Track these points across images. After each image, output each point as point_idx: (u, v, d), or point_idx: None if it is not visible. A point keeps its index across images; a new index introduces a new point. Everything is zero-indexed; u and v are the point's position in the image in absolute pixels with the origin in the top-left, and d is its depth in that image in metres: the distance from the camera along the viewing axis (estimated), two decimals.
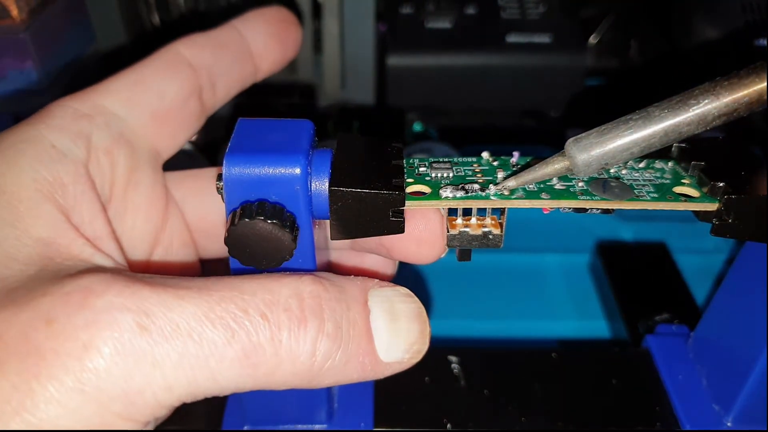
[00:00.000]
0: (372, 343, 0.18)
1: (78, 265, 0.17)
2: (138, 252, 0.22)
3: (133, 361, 0.15)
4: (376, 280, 0.19)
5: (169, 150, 0.23)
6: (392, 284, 0.19)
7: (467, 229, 0.20)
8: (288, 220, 0.18)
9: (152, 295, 0.16)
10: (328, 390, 0.25)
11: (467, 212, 0.20)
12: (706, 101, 0.17)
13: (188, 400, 0.16)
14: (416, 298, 0.19)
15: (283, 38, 0.26)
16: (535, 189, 0.19)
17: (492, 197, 0.19)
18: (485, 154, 0.21)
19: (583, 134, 0.18)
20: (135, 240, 0.22)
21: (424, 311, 0.19)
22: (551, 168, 0.18)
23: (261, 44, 0.25)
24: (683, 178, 0.20)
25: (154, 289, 0.16)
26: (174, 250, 0.23)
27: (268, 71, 0.26)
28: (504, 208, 0.19)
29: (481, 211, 0.20)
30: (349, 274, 0.20)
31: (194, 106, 0.23)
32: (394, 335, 0.18)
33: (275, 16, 0.26)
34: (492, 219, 0.20)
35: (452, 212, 0.20)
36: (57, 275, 0.16)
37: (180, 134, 0.23)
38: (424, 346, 0.19)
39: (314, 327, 0.17)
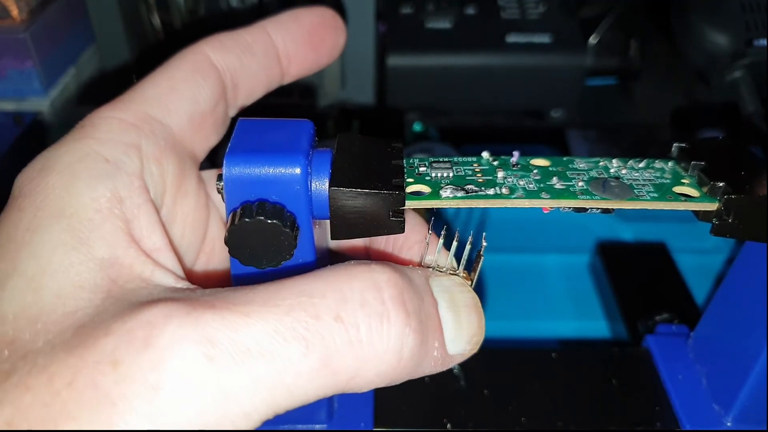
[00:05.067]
0: (443, 337, 0.18)
1: (140, 287, 0.17)
2: (186, 260, 0.22)
3: (205, 397, 0.15)
4: (430, 269, 0.19)
5: (203, 154, 0.23)
6: (446, 273, 0.19)
7: None
8: (288, 220, 0.18)
9: (216, 318, 0.15)
10: None
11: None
12: None
13: (269, 418, 0.16)
14: (469, 287, 0.19)
15: (316, 44, 0.25)
16: (535, 188, 0.19)
17: (492, 197, 0.19)
18: (485, 154, 0.21)
19: None
20: (183, 248, 0.22)
21: (479, 301, 0.19)
22: None
23: (290, 48, 0.24)
24: (683, 178, 0.20)
25: (217, 311, 0.15)
26: (216, 253, 0.23)
27: (296, 75, 0.25)
28: (479, 260, 0.19)
29: (457, 258, 0.20)
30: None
31: (222, 109, 0.23)
32: (458, 327, 0.18)
33: (310, 20, 0.25)
34: (463, 273, 0.19)
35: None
36: (122, 303, 0.16)
37: (212, 137, 0.23)
38: (482, 338, 0.18)
39: (399, 321, 0.16)
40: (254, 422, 0.15)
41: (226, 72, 0.23)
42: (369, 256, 0.23)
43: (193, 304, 0.16)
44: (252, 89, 0.24)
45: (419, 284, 0.18)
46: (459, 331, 0.18)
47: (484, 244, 0.19)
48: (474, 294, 0.19)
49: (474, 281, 0.19)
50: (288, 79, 0.25)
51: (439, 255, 0.20)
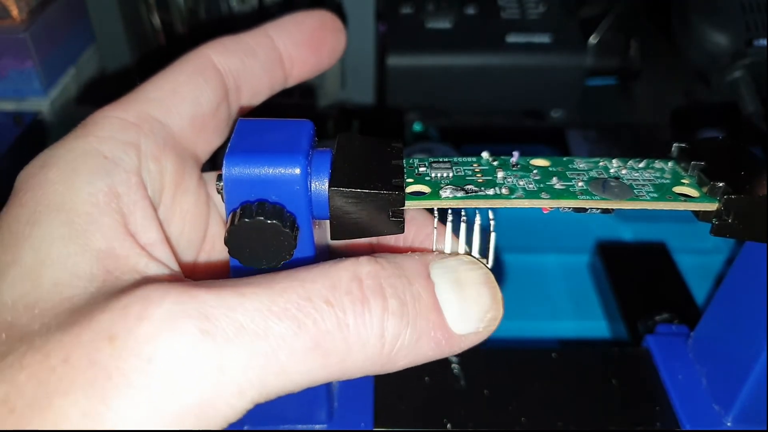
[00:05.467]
0: (442, 316, 0.18)
1: (135, 279, 0.17)
2: (187, 257, 0.22)
3: (200, 370, 0.15)
4: (436, 252, 0.19)
5: (205, 155, 0.23)
6: (454, 254, 0.19)
7: None
8: (288, 220, 0.18)
9: (212, 297, 0.16)
10: (328, 390, 0.25)
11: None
12: None
13: (261, 400, 0.16)
14: (481, 264, 0.19)
15: (317, 47, 0.25)
16: (535, 188, 0.19)
17: (491, 197, 0.19)
18: (485, 154, 0.21)
19: None
20: (182, 246, 0.22)
21: (491, 276, 0.19)
22: None
23: (292, 51, 0.25)
24: (683, 178, 0.20)
25: (213, 290, 0.16)
26: (215, 254, 0.23)
27: (298, 78, 0.26)
28: (490, 239, 0.19)
29: (468, 249, 0.20)
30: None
31: (224, 111, 0.23)
32: (463, 305, 0.18)
33: (311, 23, 0.25)
34: (479, 258, 0.19)
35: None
36: (115, 290, 0.16)
37: (214, 139, 0.23)
38: (498, 313, 0.18)
39: (378, 306, 0.17)
40: (247, 400, 0.16)
41: (228, 75, 0.23)
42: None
43: (189, 283, 0.16)
44: (255, 92, 0.24)
45: (410, 269, 0.18)
46: (466, 309, 0.18)
47: (492, 221, 0.19)
48: (486, 270, 0.19)
49: (490, 260, 0.19)
50: (291, 82, 0.26)
51: (450, 242, 0.19)
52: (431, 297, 0.18)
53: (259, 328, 0.15)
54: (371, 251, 0.23)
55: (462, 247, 0.19)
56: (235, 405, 0.15)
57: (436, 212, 0.20)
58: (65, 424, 0.14)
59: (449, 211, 0.20)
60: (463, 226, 0.19)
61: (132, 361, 0.15)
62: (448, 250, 0.20)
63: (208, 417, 0.15)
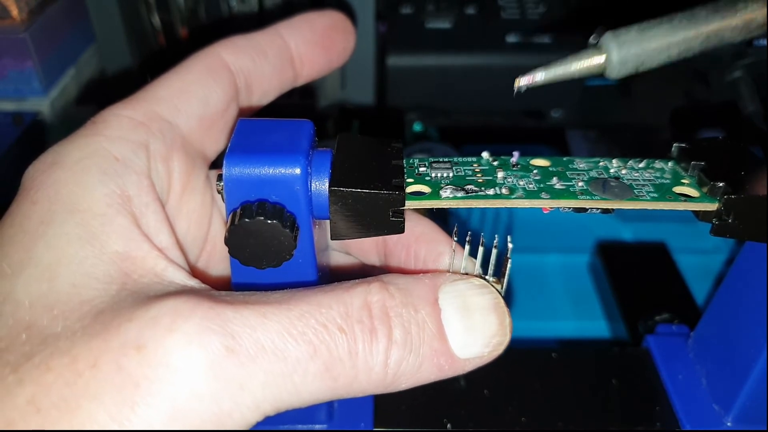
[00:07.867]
0: (445, 343, 0.18)
1: (154, 282, 0.18)
2: (190, 256, 0.22)
3: (222, 385, 0.15)
4: (448, 274, 0.19)
5: (213, 154, 0.23)
6: (465, 276, 0.19)
7: None
8: (288, 220, 0.18)
9: (236, 315, 0.16)
10: None
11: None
12: (755, 7, 0.17)
13: (272, 414, 0.17)
14: (492, 289, 0.19)
15: (328, 46, 0.26)
16: (535, 188, 0.19)
17: (492, 197, 0.19)
18: (485, 154, 0.21)
19: (623, 29, 0.18)
20: (186, 245, 0.22)
21: (501, 301, 0.19)
22: (584, 63, 0.18)
23: (303, 51, 0.25)
24: (683, 178, 0.20)
25: (237, 308, 0.16)
26: (217, 252, 0.23)
27: (308, 78, 0.26)
28: (507, 264, 0.19)
29: (484, 269, 0.20)
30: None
31: (234, 110, 0.23)
32: (469, 331, 0.18)
33: (323, 23, 0.26)
34: (493, 279, 0.19)
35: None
36: (138, 295, 0.17)
37: (222, 138, 0.23)
38: (504, 338, 0.19)
39: (384, 336, 0.17)
40: (261, 414, 0.16)
41: (239, 73, 0.23)
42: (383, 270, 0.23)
43: (215, 299, 0.16)
44: (266, 91, 0.25)
45: (418, 295, 0.18)
46: (471, 335, 0.18)
47: (510, 246, 0.19)
48: (495, 294, 0.19)
49: (504, 285, 0.19)
50: (301, 81, 0.26)
51: (465, 263, 0.20)
52: (436, 324, 0.18)
53: (278, 350, 0.16)
54: (375, 258, 0.23)
55: (477, 269, 0.20)
56: (249, 417, 0.16)
57: (455, 235, 0.20)
58: (93, 426, 0.14)
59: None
60: (480, 249, 0.19)
61: (159, 371, 0.15)
62: (462, 271, 0.20)
63: (224, 426, 0.16)
